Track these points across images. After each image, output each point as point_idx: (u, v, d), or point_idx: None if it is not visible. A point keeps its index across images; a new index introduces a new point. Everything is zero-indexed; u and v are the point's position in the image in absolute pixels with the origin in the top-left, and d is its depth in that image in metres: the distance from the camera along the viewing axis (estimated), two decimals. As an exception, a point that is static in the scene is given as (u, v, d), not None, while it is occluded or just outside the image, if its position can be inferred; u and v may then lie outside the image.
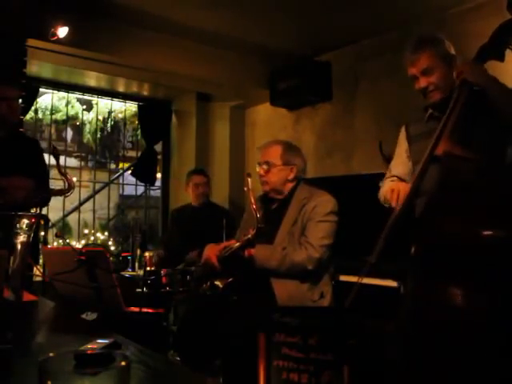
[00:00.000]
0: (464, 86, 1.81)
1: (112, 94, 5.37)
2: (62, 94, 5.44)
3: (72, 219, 5.89)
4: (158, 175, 5.79)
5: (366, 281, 1.87)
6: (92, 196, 5.66)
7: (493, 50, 1.80)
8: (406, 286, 1.77)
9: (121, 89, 5.28)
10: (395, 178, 2.21)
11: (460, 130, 1.78)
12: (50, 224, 3.35)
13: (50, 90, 5.18)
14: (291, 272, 2.29)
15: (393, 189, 1.95)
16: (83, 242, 5.30)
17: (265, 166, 2.52)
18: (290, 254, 2.30)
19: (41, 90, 4.90)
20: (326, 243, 2.33)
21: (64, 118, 5.99)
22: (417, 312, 1.61)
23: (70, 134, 7.38)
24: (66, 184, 2.94)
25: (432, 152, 1.79)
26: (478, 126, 1.82)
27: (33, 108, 5.00)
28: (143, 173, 5.44)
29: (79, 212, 5.47)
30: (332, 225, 2.39)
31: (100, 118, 6.72)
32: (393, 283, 2.48)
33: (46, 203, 2.98)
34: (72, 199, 5.78)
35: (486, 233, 1.53)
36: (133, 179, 5.63)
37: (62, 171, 2.97)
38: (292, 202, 2.46)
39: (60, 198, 5.26)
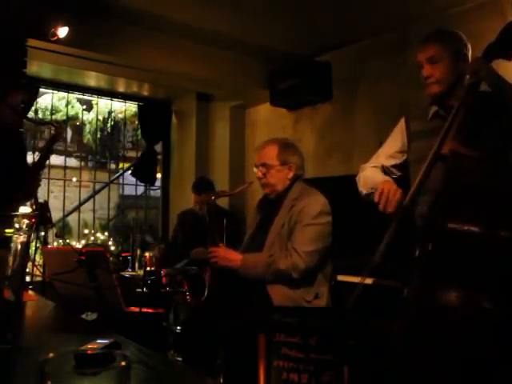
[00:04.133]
0: (475, 86, 1.80)
1: (112, 94, 5.38)
2: (62, 94, 5.45)
3: (72, 219, 5.89)
4: (158, 175, 5.80)
5: (368, 281, 1.86)
6: (92, 196, 5.66)
7: (500, 49, 1.79)
8: (409, 287, 1.77)
9: (121, 89, 5.28)
10: (379, 165, 2.18)
11: (466, 130, 1.78)
12: (50, 225, 3.34)
13: (50, 90, 5.18)
14: (277, 279, 2.23)
15: (382, 191, 1.91)
16: (83, 242, 5.30)
17: (262, 169, 2.46)
18: (275, 261, 2.24)
19: (41, 90, 4.90)
20: (312, 249, 2.24)
21: (64, 118, 5.99)
22: (421, 313, 1.61)
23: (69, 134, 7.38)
24: (53, 131, 2.95)
25: (438, 150, 1.78)
26: (484, 127, 1.81)
27: (33, 108, 5.00)
28: (143, 173, 5.44)
29: (79, 212, 5.47)
30: (321, 228, 2.30)
31: (100, 117, 6.72)
32: (395, 283, 2.48)
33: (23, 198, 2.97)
34: (72, 199, 5.80)
35: (491, 232, 1.53)
36: (133, 179, 5.64)
37: (43, 122, 3.04)
38: (284, 202, 2.39)
39: (60, 199, 5.28)
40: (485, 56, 1.82)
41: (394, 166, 2.18)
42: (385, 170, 2.18)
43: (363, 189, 2.17)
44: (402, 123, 2.20)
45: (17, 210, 2.66)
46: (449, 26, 2.17)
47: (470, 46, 2.01)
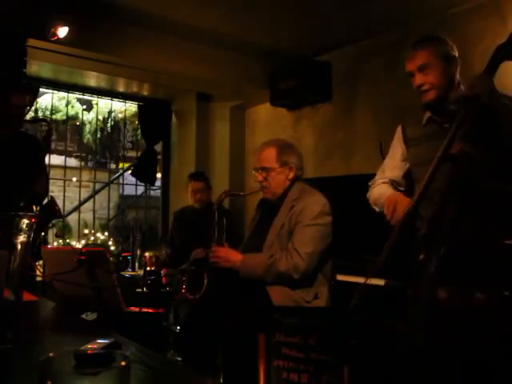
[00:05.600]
0: (474, 103, 1.77)
1: (112, 93, 5.37)
2: (62, 94, 5.45)
3: (72, 219, 5.89)
4: (158, 175, 5.80)
5: (371, 281, 1.86)
6: (92, 196, 5.67)
7: (510, 51, 1.76)
8: (413, 288, 1.76)
9: (121, 89, 5.28)
10: (387, 180, 2.18)
11: (475, 131, 1.76)
12: (50, 224, 3.35)
13: (50, 90, 5.18)
14: (277, 281, 2.23)
15: (389, 203, 1.91)
16: (83, 242, 5.30)
17: (263, 173, 2.44)
18: (275, 263, 2.23)
19: (41, 89, 4.90)
20: (313, 249, 2.24)
21: (64, 117, 5.99)
22: (425, 314, 1.60)
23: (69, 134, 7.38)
24: (47, 129, 3.01)
25: (445, 152, 1.76)
26: (492, 128, 1.80)
27: (33, 108, 5.00)
28: (143, 173, 5.44)
29: (79, 212, 5.47)
30: (321, 228, 2.29)
31: (100, 117, 6.73)
32: (398, 284, 2.48)
33: (41, 199, 2.98)
34: (72, 199, 5.80)
35: (499, 235, 1.52)
36: (133, 179, 5.64)
37: (32, 120, 3.11)
38: (284, 203, 2.39)
39: (60, 199, 5.28)
40: (489, 69, 1.78)
41: (401, 176, 2.17)
42: (393, 184, 2.18)
43: (375, 207, 2.18)
44: (398, 132, 2.20)
45: (31, 211, 2.68)
46: (437, 33, 2.16)
47: (456, 48, 2.00)
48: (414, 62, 1.97)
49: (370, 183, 2.27)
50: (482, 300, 1.49)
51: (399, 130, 2.19)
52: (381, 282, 2.46)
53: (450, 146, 1.75)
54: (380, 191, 2.15)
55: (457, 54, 2.00)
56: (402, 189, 2.16)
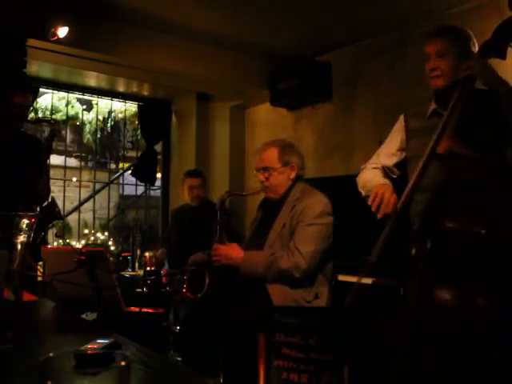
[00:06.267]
0: (469, 82, 1.80)
1: (112, 93, 5.37)
2: (62, 94, 5.45)
3: (72, 219, 5.89)
4: (158, 175, 5.80)
5: (365, 280, 1.86)
6: (92, 196, 5.67)
7: (495, 48, 1.79)
8: (406, 286, 1.76)
9: (121, 89, 5.28)
10: (380, 166, 2.19)
11: (462, 129, 1.78)
12: (50, 224, 3.35)
13: (50, 90, 5.18)
14: (278, 278, 2.23)
15: (376, 193, 1.92)
16: (83, 242, 5.31)
17: (265, 173, 2.46)
18: (276, 260, 2.23)
19: (41, 89, 4.90)
20: (314, 249, 2.24)
21: (64, 118, 5.99)
22: (419, 312, 1.61)
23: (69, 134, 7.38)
24: (50, 129, 3.02)
25: (433, 149, 1.78)
26: (480, 125, 1.81)
27: (33, 108, 5.00)
28: (143, 173, 5.44)
29: (79, 212, 5.47)
30: (322, 228, 2.30)
31: (100, 118, 6.73)
32: (392, 282, 2.48)
33: (43, 200, 2.98)
34: (72, 199, 5.80)
35: (488, 232, 1.53)
36: (133, 179, 5.64)
37: (38, 120, 3.11)
38: (286, 202, 2.40)
39: (60, 199, 5.28)
40: (480, 54, 1.82)
41: (394, 165, 2.18)
42: (385, 171, 2.19)
43: (362, 190, 2.19)
44: (401, 121, 2.20)
45: (32, 211, 2.68)
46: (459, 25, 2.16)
47: (477, 46, 2.01)
48: (434, 45, 1.98)
49: (362, 166, 2.28)
50: (465, 299, 1.49)
51: (402, 118, 2.20)
52: (375, 281, 2.47)
53: (438, 143, 1.76)
54: (370, 176, 2.16)
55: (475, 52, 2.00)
56: (394, 176, 2.17)
